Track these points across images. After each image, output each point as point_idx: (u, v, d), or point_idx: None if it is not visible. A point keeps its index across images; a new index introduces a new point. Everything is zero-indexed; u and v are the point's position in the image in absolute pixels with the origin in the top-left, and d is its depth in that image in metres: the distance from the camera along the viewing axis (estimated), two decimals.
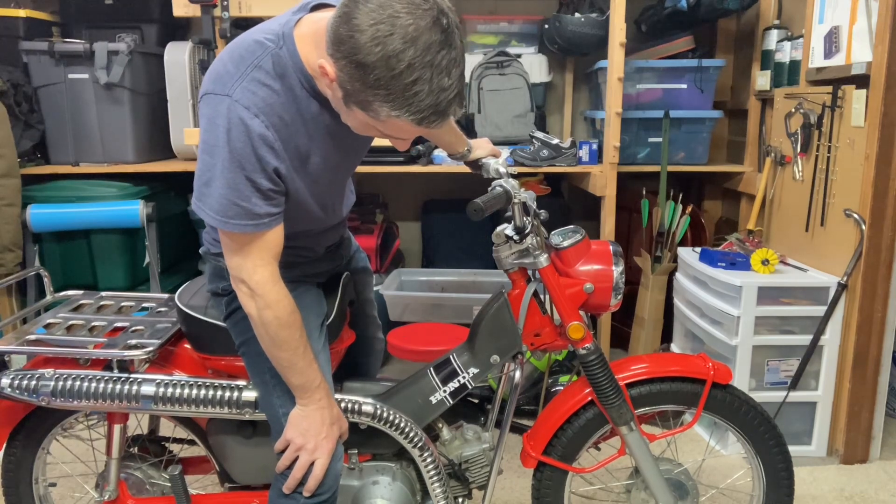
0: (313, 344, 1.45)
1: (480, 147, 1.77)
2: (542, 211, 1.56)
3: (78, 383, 1.50)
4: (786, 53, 2.87)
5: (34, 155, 3.02)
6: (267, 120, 1.24)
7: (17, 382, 1.52)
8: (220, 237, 1.33)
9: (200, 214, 1.30)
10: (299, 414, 1.41)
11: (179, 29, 3.39)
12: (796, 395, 2.51)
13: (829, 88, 2.47)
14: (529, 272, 1.58)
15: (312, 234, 1.52)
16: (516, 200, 1.48)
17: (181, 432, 1.76)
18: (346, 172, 1.52)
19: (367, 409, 1.53)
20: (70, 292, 1.91)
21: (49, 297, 1.88)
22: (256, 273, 1.30)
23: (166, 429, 1.93)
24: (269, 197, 1.28)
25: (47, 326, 1.69)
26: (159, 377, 1.53)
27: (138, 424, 1.87)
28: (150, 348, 1.54)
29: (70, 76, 2.96)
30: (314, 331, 1.48)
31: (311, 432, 1.40)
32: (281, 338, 1.33)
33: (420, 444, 1.55)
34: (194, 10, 2.84)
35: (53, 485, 1.81)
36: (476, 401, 1.74)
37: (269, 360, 1.38)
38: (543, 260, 1.52)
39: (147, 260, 2.87)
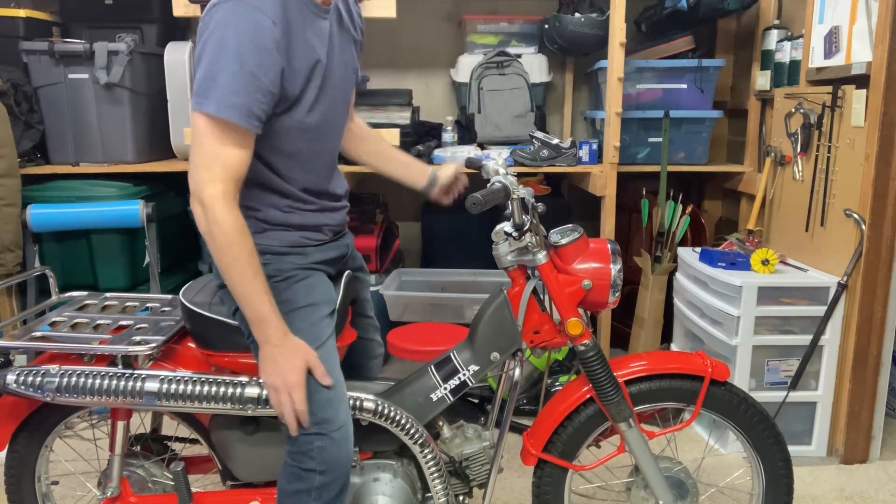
0: (323, 331, 1.48)
1: (446, 168, 1.76)
2: (539, 203, 1.57)
3: (83, 379, 1.52)
4: (786, 53, 2.87)
5: (34, 155, 3.02)
6: (273, 15, 1.32)
7: (22, 378, 1.53)
8: (194, 148, 1.34)
9: (196, 115, 1.32)
10: (262, 357, 1.42)
11: (179, 29, 3.39)
12: (796, 395, 2.51)
13: (829, 88, 2.47)
14: (528, 270, 1.60)
15: (314, 174, 1.53)
16: (515, 196, 1.50)
17: (183, 432, 1.77)
18: (342, 97, 1.55)
19: (369, 405, 1.54)
20: (75, 293, 1.92)
21: (54, 298, 1.90)
22: (212, 186, 1.32)
23: (168, 428, 1.94)
24: (267, 96, 1.33)
25: (52, 325, 1.70)
26: (163, 373, 1.54)
27: (141, 423, 1.88)
28: (154, 344, 1.55)
29: (70, 76, 2.96)
30: (325, 318, 1.50)
31: (276, 371, 1.40)
32: (229, 257, 1.34)
33: (421, 441, 1.56)
34: (194, 10, 2.84)
35: (56, 483, 1.82)
36: (476, 401, 1.75)
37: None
38: (542, 257, 1.54)
39: (147, 260, 2.87)
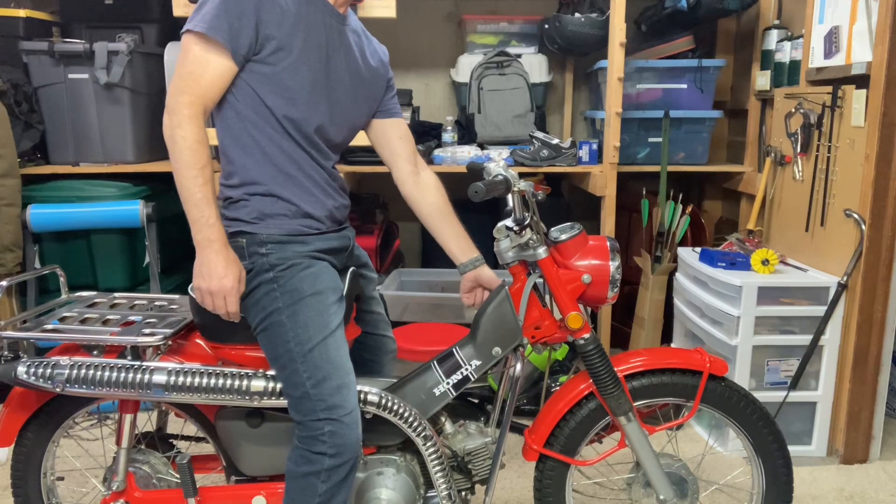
0: (331, 319, 1.50)
1: (492, 276, 1.78)
2: (538, 192, 1.61)
3: (92, 371, 1.54)
4: (786, 53, 2.87)
5: (34, 155, 3.02)
6: None
7: (33, 370, 1.55)
8: (178, 65, 1.45)
9: (184, 37, 1.44)
10: (200, 262, 1.46)
11: (179, 29, 3.39)
12: (796, 395, 2.51)
13: (829, 88, 2.47)
14: (529, 267, 1.63)
15: (315, 132, 1.56)
16: (515, 189, 1.55)
17: (188, 430, 1.78)
18: (340, 97, 1.59)
19: (373, 398, 1.56)
20: (85, 293, 1.94)
21: (64, 297, 1.91)
22: (181, 95, 1.43)
23: (174, 427, 1.96)
24: (248, 23, 1.43)
25: (61, 320, 1.72)
26: (171, 365, 1.56)
27: (148, 420, 1.90)
28: (162, 336, 1.57)
29: (70, 76, 2.97)
30: (332, 306, 1.52)
31: (215, 275, 1.44)
32: (183, 162, 1.43)
33: (425, 434, 1.58)
34: None
35: (61, 479, 1.83)
36: (476, 401, 1.77)
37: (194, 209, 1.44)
38: (542, 252, 1.58)
39: (147, 260, 2.87)
